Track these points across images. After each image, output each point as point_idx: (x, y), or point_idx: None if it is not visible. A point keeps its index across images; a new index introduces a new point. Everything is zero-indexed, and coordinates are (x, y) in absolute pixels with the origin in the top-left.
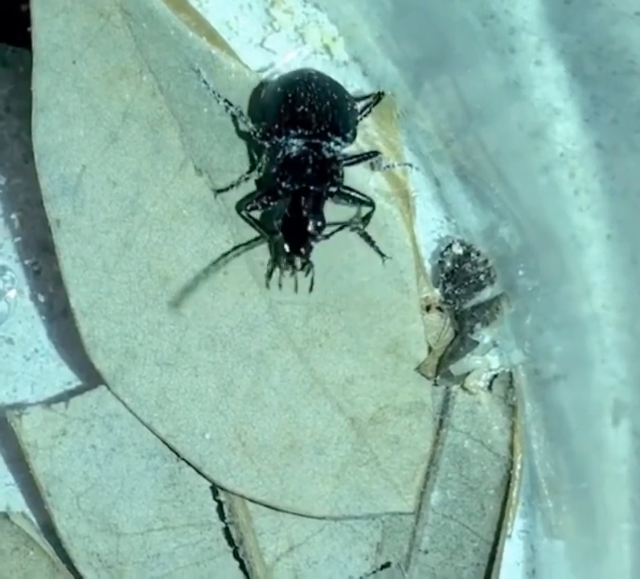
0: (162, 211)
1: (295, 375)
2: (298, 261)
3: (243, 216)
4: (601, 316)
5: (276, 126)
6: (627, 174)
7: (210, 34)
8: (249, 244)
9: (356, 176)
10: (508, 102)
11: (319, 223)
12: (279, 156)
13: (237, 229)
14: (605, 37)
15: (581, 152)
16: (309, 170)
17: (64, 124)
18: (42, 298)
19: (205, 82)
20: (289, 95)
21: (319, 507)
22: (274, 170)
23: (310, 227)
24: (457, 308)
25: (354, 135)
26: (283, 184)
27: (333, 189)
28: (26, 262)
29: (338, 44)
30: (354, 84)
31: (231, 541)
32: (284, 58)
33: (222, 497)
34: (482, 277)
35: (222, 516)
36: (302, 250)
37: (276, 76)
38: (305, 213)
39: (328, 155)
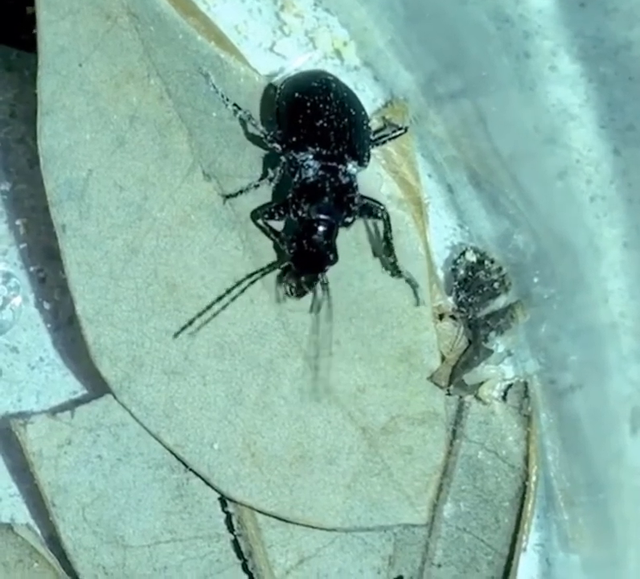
0: (170, 217)
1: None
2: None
3: (259, 225)
4: (618, 324)
5: (294, 139)
6: None
7: (219, 39)
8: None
9: (368, 182)
10: (523, 107)
11: (331, 257)
12: (294, 180)
13: (246, 235)
14: (622, 42)
15: (597, 158)
16: (326, 199)
17: (70, 127)
18: (47, 306)
19: (214, 86)
20: (308, 104)
21: (330, 519)
22: (290, 194)
23: (322, 263)
24: (470, 316)
25: (369, 159)
26: (299, 213)
27: (348, 219)
28: (31, 269)
29: (349, 49)
30: (365, 88)
31: (239, 554)
32: (294, 62)
33: (230, 508)
34: (496, 284)
35: (230, 528)
36: (310, 280)
37: (288, 77)
38: (317, 246)
39: (344, 181)
